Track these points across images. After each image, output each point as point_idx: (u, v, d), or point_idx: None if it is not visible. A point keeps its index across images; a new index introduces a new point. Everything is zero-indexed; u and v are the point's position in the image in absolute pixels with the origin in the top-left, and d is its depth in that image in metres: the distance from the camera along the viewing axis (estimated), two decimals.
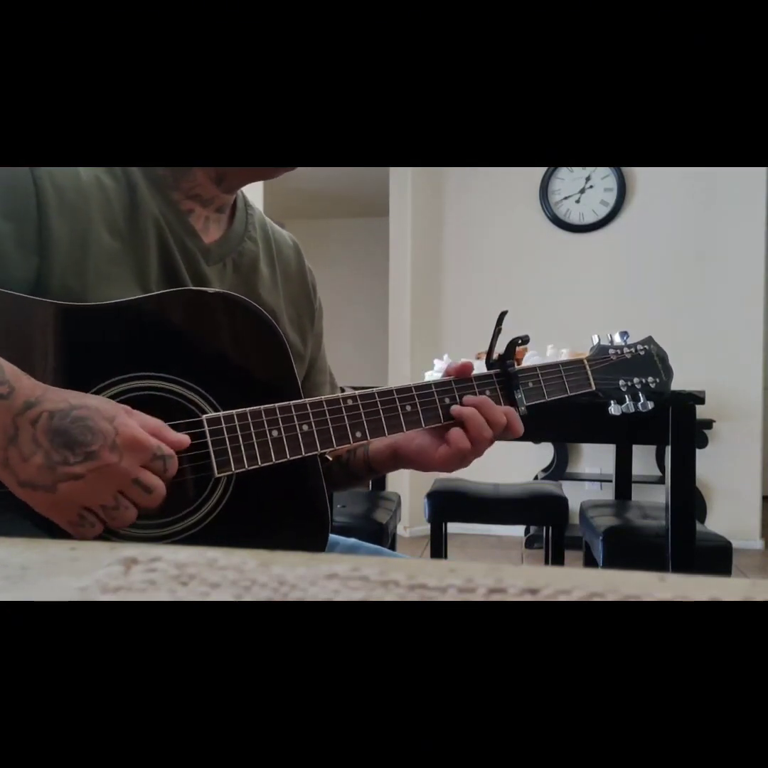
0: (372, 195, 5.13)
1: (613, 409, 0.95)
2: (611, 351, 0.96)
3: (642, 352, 0.98)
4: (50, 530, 0.64)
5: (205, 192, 0.81)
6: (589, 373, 0.93)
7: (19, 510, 0.63)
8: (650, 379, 0.97)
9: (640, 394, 0.96)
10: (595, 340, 0.98)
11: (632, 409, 0.95)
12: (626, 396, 0.95)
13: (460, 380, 0.84)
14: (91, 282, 0.71)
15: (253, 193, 2.97)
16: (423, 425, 0.81)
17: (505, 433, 0.84)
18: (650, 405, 0.96)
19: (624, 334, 0.98)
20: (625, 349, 0.97)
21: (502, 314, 0.88)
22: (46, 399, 0.62)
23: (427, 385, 0.82)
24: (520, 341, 0.87)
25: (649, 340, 1.00)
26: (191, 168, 0.80)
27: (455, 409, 0.82)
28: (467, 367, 0.85)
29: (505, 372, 0.87)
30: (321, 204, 5.76)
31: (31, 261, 0.69)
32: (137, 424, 0.64)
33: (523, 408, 0.86)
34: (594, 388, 0.93)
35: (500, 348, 0.87)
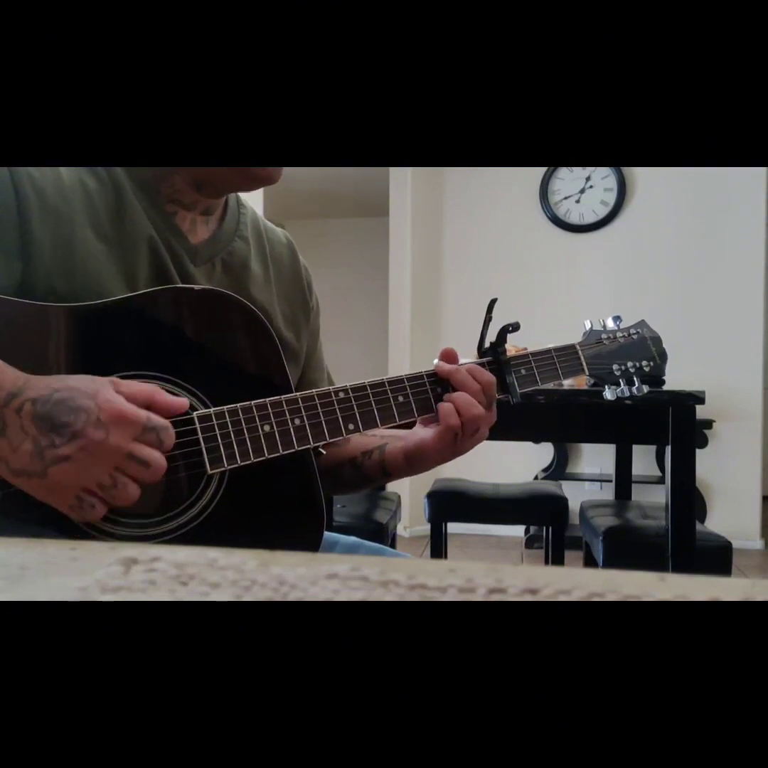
0: (372, 195, 5.13)
1: (608, 393, 0.94)
2: (604, 335, 0.95)
3: (635, 336, 0.97)
4: (55, 524, 0.64)
5: (186, 197, 0.81)
6: (582, 358, 0.92)
7: (21, 511, 0.63)
8: (644, 362, 0.96)
9: (635, 378, 0.95)
10: (588, 326, 0.97)
11: (627, 394, 0.94)
12: (620, 380, 0.94)
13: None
14: (78, 284, 0.71)
15: (253, 192, 2.96)
16: (416, 415, 0.81)
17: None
18: (645, 389, 0.95)
19: (617, 318, 0.97)
20: (618, 334, 0.96)
21: (492, 302, 0.88)
22: (29, 387, 0.62)
23: (419, 376, 0.82)
24: (510, 328, 0.87)
25: (642, 324, 0.99)
26: (170, 174, 0.79)
27: (439, 365, 0.82)
28: (450, 353, 0.84)
29: (496, 359, 0.87)
30: (321, 204, 5.76)
31: (15, 266, 0.69)
32: (123, 397, 0.63)
33: (516, 397, 0.86)
34: (587, 373, 0.92)
35: (492, 336, 0.87)
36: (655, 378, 0.96)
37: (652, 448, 3.86)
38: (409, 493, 3.92)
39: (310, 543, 0.76)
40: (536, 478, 3.87)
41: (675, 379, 1.71)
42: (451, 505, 2.38)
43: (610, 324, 0.97)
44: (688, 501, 1.71)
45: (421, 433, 0.85)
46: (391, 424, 0.81)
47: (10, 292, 0.68)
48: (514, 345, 1.06)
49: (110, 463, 0.62)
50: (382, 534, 2.00)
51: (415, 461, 0.87)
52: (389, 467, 0.90)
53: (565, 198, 3.97)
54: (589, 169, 3.93)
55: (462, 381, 0.81)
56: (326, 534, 0.89)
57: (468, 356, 0.88)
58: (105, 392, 0.62)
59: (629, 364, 0.95)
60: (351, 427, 0.77)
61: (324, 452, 0.93)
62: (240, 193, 0.90)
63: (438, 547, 2.40)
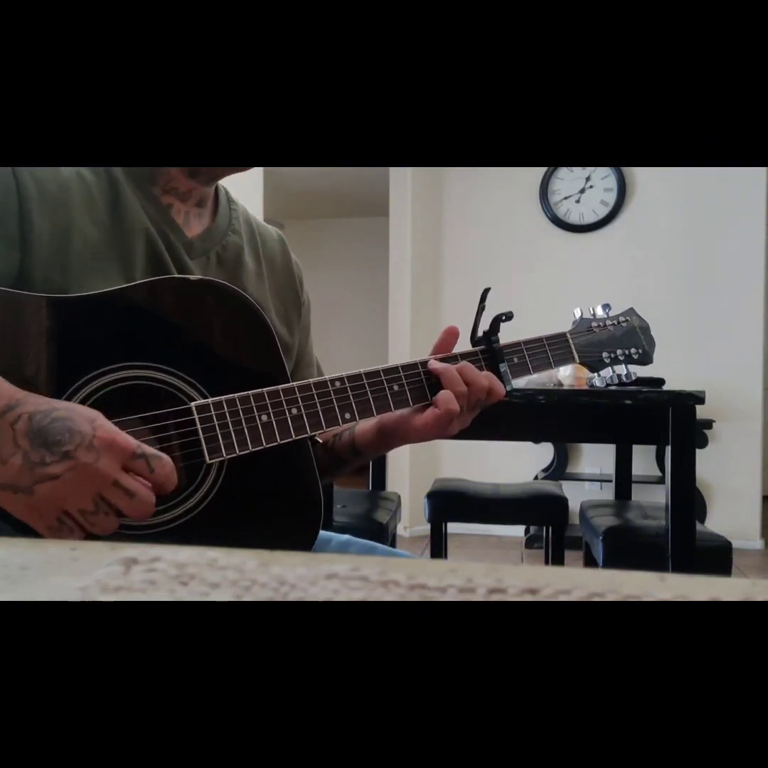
0: (372, 195, 5.13)
1: (598, 380, 0.97)
2: (594, 324, 0.97)
3: (624, 324, 0.99)
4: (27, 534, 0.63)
5: (181, 186, 0.82)
6: (572, 346, 0.94)
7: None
8: (633, 349, 0.98)
9: (624, 365, 0.97)
10: (577, 314, 0.99)
11: (616, 381, 0.97)
12: (610, 368, 0.96)
13: (445, 358, 0.85)
14: (74, 275, 0.71)
15: (253, 193, 2.96)
16: (411, 404, 0.82)
17: (489, 398, 0.83)
18: (634, 375, 0.97)
19: (606, 306, 0.99)
20: (608, 322, 0.98)
21: (485, 291, 0.89)
22: (27, 402, 0.62)
23: (414, 365, 0.83)
24: (503, 317, 0.88)
25: (631, 312, 1.01)
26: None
27: (431, 363, 0.82)
28: (451, 332, 0.85)
29: (489, 348, 0.87)
30: (321, 204, 5.76)
31: (13, 255, 0.70)
32: (118, 429, 0.63)
33: (509, 385, 0.86)
34: (578, 360, 0.94)
35: (485, 326, 0.88)
36: (644, 364, 0.99)
37: (652, 448, 3.86)
38: (409, 493, 3.92)
39: (309, 532, 0.76)
40: (536, 478, 3.86)
41: (675, 379, 1.71)
42: (451, 505, 2.38)
43: (600, 312, 0.99)
44: (688, 501, 1.71)
45: (404, 410, 0.84)
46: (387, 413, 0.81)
47: (8, 282, 0.69)
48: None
49: (96, 488, 0.61)
50: (382, 534, 2.00)
51: (391, 437, 0.87)
52: (359, 444, 0.90)
53: (565, 198, 3.96)
54: (589, 169, 3.92)
55: (450, 380, 0.81)
56: (322, 532, 0.89)
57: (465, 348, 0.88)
58: (103, 420, 0.63)
59: (619, 351, 0.97)
60: (347, 416, 0.78)
61: (320, 441, 0.93)
62: (236, 190, 0.91)
63: (438, 547, 2.40)
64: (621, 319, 0.99)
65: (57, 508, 0.61)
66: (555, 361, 0.92)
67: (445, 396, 0.80)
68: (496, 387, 0.83)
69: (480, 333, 0.88)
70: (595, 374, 0.96)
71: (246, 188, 0.88)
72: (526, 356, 0.90)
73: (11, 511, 0.61)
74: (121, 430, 0.63)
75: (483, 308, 0.89)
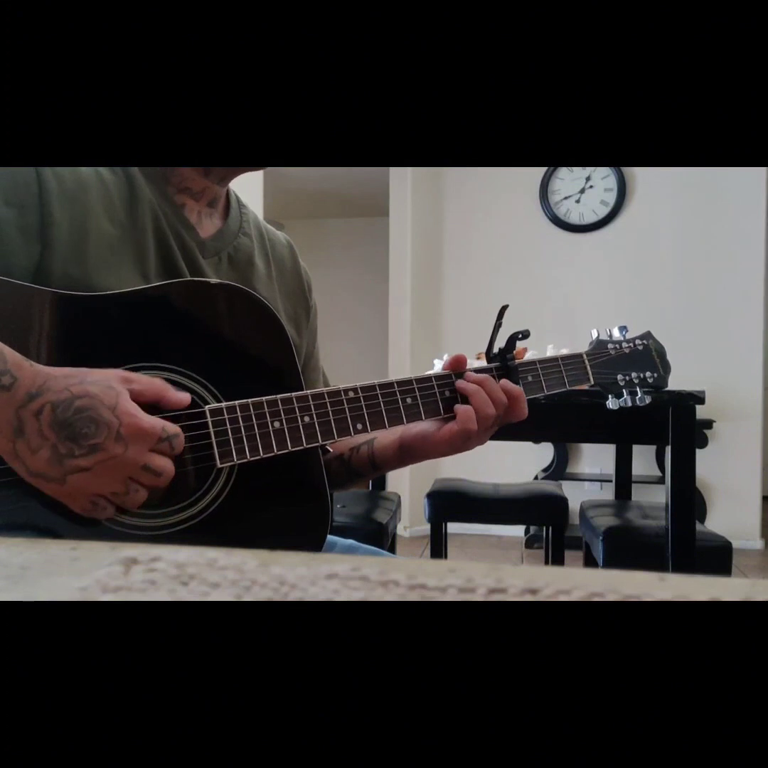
0: (372, 195, 5.13)
1: (611, 403, 0.96)
2: (610, 345, 0.97)
3: (640, 347, 0.99)
4: (63, 513, 0.65)
5: (194, 184, 0.82)
6: (588, 367, 0.94)
7: (32, 497, 0.64)
8: (648, 373, 0.98)
9: (638, 389, 0.97)
10: (594, 335, 0.99)
11: (630, 404, 0.96)
12: (624, 390, 0.96)
13: (460, 373, 0.85)
14: (91, 270, 0.72)
15: (253, 193, 2.96)
16: (423, 417, 0.82)
17: (508, 415, 0.84)
18: (648, 399, 0.97)
19: (623, 328, 0.99)
20: (624, 344, 0.98)
21: (503, 308, 0.89)
22: (48, 389, 0.62)
23: (428, 378, 0.83)
24: (520, 335, 0.88)
25: (648, 335, 1.01)
26: None
27: (460, 383, 0.83)
28: (461, 360, 0.85)
29: (505, 366, 0.87)
30: (321, 204, 5.76)
31: (34, 248, 0.70)
32: (135, 394, 0.64)
33: None
34: (593, 382, 0.94)
35: (501, 342, 0.88)
36: (658, 389, 0.99)
37: (652, 448, 3.86)
38: (409, 493, 3.92)
39: (316, 539, 0.76)
40: (536, 478, 3.87)
41: (675, 379, 1.71)
42: (451, 505, 2.38)
43: (616, 334, 0.99)
44: (688, 501, 1.71)
45: (424, 424, 0.85)
46: (398, 425, 0.81)
47: (28, 274, 0.69)
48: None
49: (126, 473, 0.64)
50: (382, 534, 2.00)
51: (411, 453, 0.87)
52: (379, 459, 0.91)
53: (565, 198, 3.97)
54: (589, 169, 3.93)
55: (480, 402, 0.82)
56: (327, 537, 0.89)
57: (470, 358, 0.88)
58: (124, 403, 0.63)
59: (634, 374, 0.97)
60: (359, 426, 0.78)
61: (331, 450, 0.93)
62: (236, 190, 0.92)
63: (438, 547, 2.40)
64: (637, 341, 0.99)
65: (90, 493, 0.63)
66: (569, 382, 0.92)
67: (466, 414, 0.81)
68: (517, 405, 0.84)
69: (496, 350, 0.88)
70: (609, 396, 0.96)
71: (246, 188, 0.89)
72: (541, 375, 0.90)
73: (47, 493, 0.63)
74: (143, 412, 0.64)
75: (500, 325, 0.89)
